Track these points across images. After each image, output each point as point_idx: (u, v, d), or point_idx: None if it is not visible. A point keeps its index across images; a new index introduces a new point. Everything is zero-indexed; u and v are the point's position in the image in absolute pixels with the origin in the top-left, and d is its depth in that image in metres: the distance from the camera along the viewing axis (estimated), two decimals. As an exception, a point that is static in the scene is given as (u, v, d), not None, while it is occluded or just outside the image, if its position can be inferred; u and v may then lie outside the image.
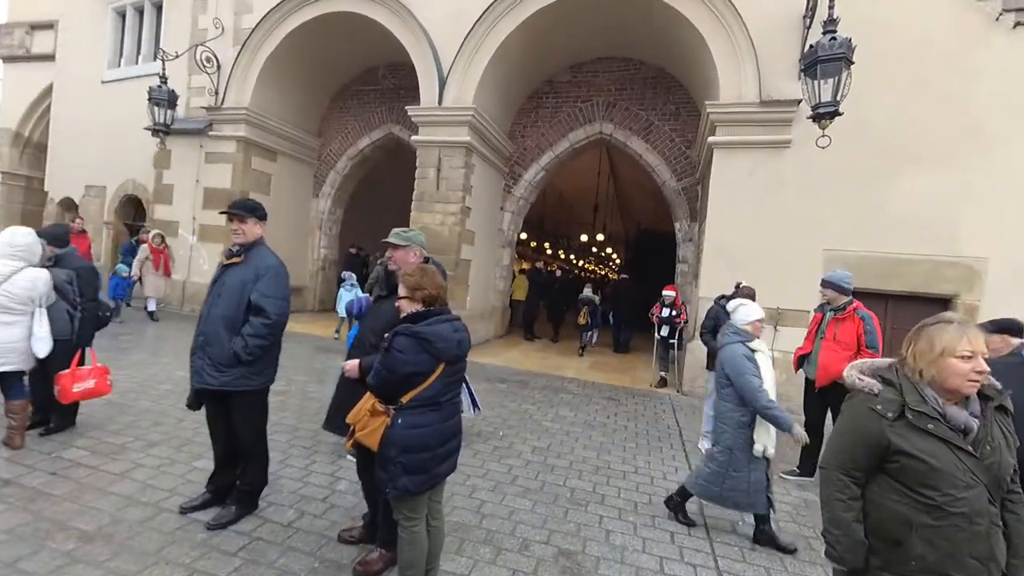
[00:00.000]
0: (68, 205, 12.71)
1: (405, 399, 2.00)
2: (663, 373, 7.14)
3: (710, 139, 6.69)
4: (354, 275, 8.21)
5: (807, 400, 4.12)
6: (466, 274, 8.58)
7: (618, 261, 33.30)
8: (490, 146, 8.90)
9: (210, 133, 9.69)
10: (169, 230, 9.97)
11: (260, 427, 2.73)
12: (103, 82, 11.90)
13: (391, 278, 2.68)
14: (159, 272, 8.66)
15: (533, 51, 8.44)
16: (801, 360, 4.15)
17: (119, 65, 11.89)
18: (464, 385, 3.43)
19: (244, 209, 2.69)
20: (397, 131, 10.57)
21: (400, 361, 1.95)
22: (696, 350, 6.63)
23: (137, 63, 11.61)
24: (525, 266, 18.29)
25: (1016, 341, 2.41)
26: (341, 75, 10.88)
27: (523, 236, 21.35)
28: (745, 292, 4.44)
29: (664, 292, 6.86)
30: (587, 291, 10.80)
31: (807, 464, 3.99)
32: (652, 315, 7.11)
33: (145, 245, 8.65)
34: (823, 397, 3.95)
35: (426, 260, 2.72)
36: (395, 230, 2.72)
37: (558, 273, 10.88)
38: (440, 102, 7.98)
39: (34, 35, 14.65)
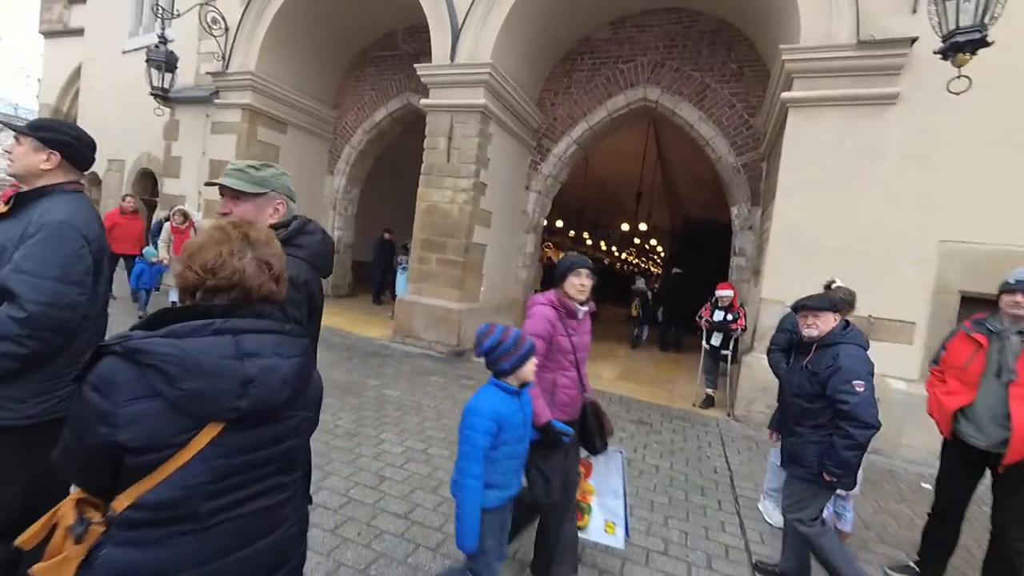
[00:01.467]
0: (95, 180, 12.56)
1: (120, 503, 0.90)
2: (710, 391, 5.77)
3: (784, 95, 5.20)
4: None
5: (949, 472, 2.63)
6: (479, 261, 7.47)
7: (661, 253, 31.31)
8: (512, 113, 7.69)
9: (215, 101, 9.00)
10: (178, 204, 9.43)
11: (16, 490, 1.60)
12: (123, 52, 11.55)
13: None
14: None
15: (565, 0, 7.14)
16: (955, 415, 2.48)
17: (139, 33, 11.49)
18: (622, 496, 2.46)
19: (29, 129, 1.65)
20: (416, 101, 9.51)
21: (91, 413, 0.86)
22: (754, 365, 5.23)
23: (155, 30, 11.13)
24: (559, 255, 16.96)
25: None
26: (357, 39, 9.93)
27: (560, 224, 20.13)
28: (840, 296, 3.05)
29: (719, 292, 5.47)
30: (639, 283, 9.75)
31: (934, 561, 2.61)
32: (700, 318, 5.75)
33: (167, 225, 7.36)
34: (996, 478, 2.38)
35: (296, 221, 1.63)
36: (232, 165, 1.60)
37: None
38: (453, 58, 6.83)
39: (72, 8, 14.65)
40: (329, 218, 10.65)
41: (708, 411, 5.61)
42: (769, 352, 3.39)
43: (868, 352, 2.30)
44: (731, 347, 5.47)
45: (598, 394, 5.73)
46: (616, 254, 29.12)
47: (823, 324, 2.32)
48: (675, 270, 9.40)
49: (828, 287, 3.23)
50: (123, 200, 7.70)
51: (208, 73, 9.04)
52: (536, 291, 9.36)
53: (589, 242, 25.29)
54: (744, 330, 5.39)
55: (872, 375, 2.20)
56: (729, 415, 5.49)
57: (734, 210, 7.51)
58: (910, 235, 4.75)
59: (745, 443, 4.72)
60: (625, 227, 17.71)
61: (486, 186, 7.28)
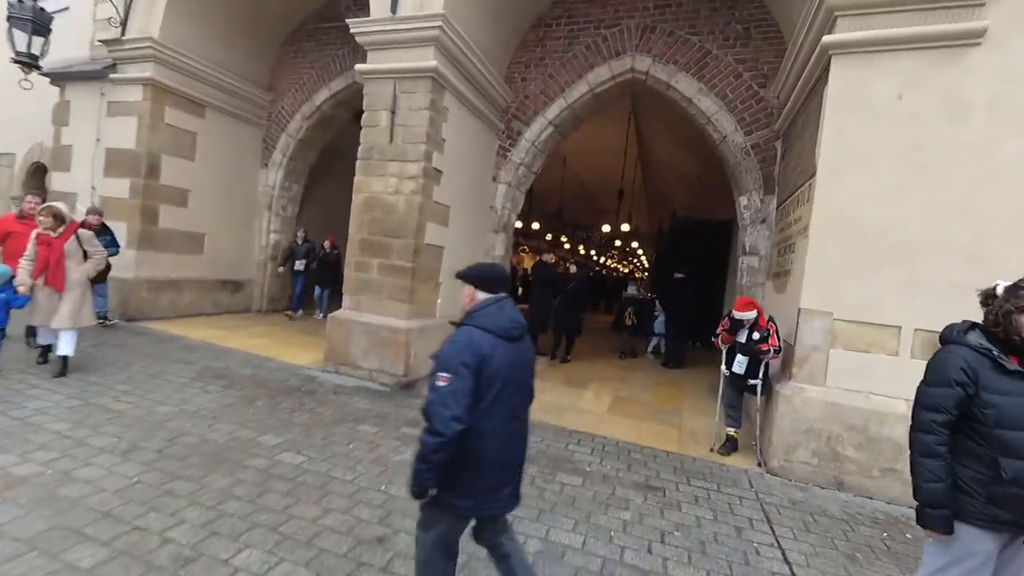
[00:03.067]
0: (-14, 180, 10.61)
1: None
2: (732, 430, 4.40)
3: (826, 39, 3.92)
4: None
5: None
6: (434, 267, 5.99)
7: (643, 256, 30.32)
8: (473, 85, 6.28)
9: (112, 76, 7.33)
10: (67, 204, 7.70)
11: None
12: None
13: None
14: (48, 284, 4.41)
15: (536, -58, 5.79)
16: None
17: (32, 4, 9.68)
18: None
19: None
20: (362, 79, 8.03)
21: None
22: (795, 400, 3.90)
23: None
24: (533, 261, 15.67)
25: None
26: (295, 7, 8.39)
27: (536, 226, 18.80)
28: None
29: (738, 314, 4.10)
30: (631, 289, 8.63)
31: None
32: (716, 338, 4.41)
33: (34, 234, 4.67)
34: None
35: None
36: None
37: (572, 269, 8.18)
38: (395, 9, 5.39)
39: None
40: (263, 219, 9.02)
41: (730, 459, 4.25)
42: (922, 432, 1.91)
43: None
44: (761, 374, 4.12)
45: (584, 437, 4.31)
46: (596, 258, 27.97)
47: None
48: (677, 274, 8.11)
49: (991, 296, 1.86)
50: (24, 201, 5.41)
51: (101, 41, 7.37)
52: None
53: (568, 245, 24.05)
54: (778, 351, 4.05)
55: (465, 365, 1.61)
56: (760, 465, 4.13)
57: (742, 200, 6.23)
58: (1013, 220, 3.50)
59: (796, 514, 3.35)
60: (606, 228, 16.48)
61: (440, 173, 5.83)
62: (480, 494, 1.73)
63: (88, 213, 6.34)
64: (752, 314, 4.04)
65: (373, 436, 3.90)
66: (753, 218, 6.09)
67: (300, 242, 8.95)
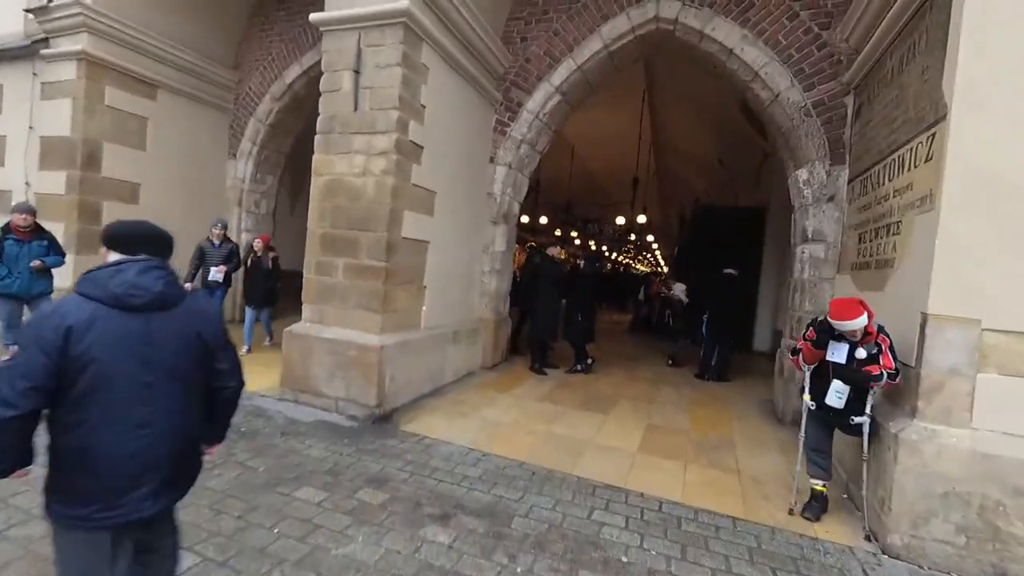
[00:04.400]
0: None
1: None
2: (820, 483, 3.15)
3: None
4: None
5: None
6: (416, 266, 4.82)
7: (657, 251, 28.93)
8: (461, 40, 5.09)
9: (43, 52, 6.27)
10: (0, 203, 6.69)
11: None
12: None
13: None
14: None
15: None
16: None
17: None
18: None
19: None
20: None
21: None
22: (925, 448, 2.66)
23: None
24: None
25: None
26: (257, -29, 7.29)
27: (544, 221, 17.58)
28: None
29: (839, 322, 2.83)
30: (677, 289, 8.06)
31: None
32: (795, 355, 3.16)
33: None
34: None
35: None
36: None
37: (581, 264, 6.92)
38: (353, -63, 4.22)
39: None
40: (233, 216, 7.93)
41: (825, 526, 3.02)
42: None
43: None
44: (868, 410, 2.88)
45: (612, 496, 3.10)
46: (608, 254, 26.65)
47: None
48: (727, 270, 6.77)
49: None
50: None
51: (28, 11, 6.31)
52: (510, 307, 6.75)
53: (577, 241, 22.80)
54: (894, 376, 2.80)
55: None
56: (871, 539, 2.88)
57: (800, 175, 4.97)
58: None
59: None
60: (621, 220, 15.21)
61: (420, 150, 4.65)
62: (97, 499, 1.38)
63: (13, 211, 5.24)
64: (859, 322, 2.79)
65: (314, 511, 2.73)
66: (817, 196, 4.82)
67: (216, 242, 6.00)
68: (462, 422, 4.33)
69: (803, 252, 4.95)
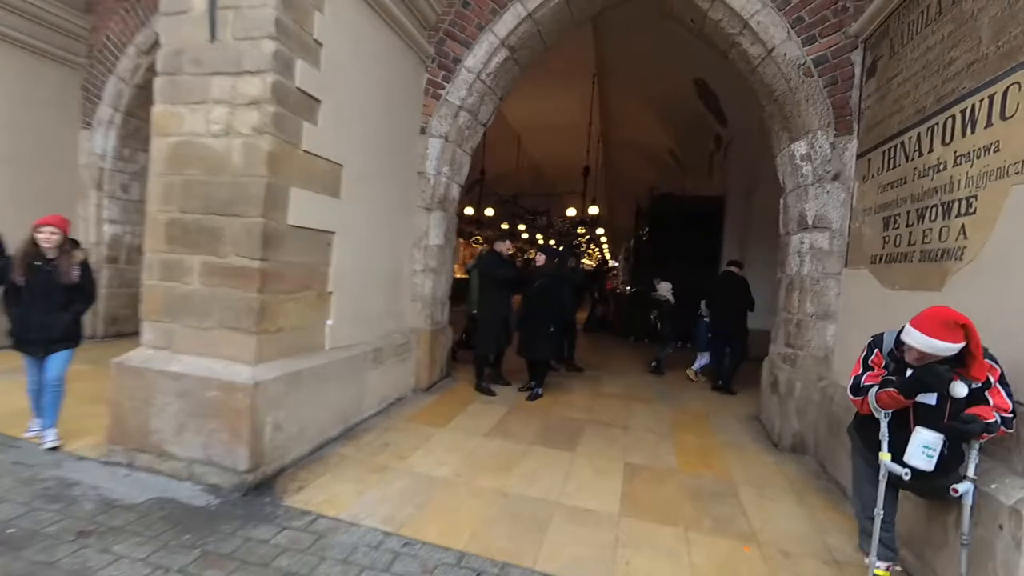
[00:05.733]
0: None
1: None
2: (883, 567, 2.21)
3: None
4: None
5: None
6: (315, 265, 3.50)
7: (605, 245, 28.58)
8: (375, -36, 3.81)
9: None
10: None
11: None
12: None
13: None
14: None
15: None
16: None
17: None
18: None
19: None
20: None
21: None
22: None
23: None
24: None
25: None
26: None
27: (490, 213, 16.43)
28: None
29: (921, 338, 1.88)
30: (662, 288, 7.04)
31: None
32: (865, 393, 2.16)
33: None
34: None
35: None
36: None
37: (540, 259, 5.78)
38: None
39: None
40: (89, 203, 6.17)
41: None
42: None
43: None
44: (972, 470, 1.96)
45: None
46: (585, 248, 25.87)
47: None
48: (729, 266, 5.89)
49: None
50: None
51: None
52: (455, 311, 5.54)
53: (525, 236, 21.84)
54: (1012, 420, 1.89)
55: None
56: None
57: (797, 148, 4.11)
58: None
59: None
60: (571, 212, 14.35)
61: (318, 104, 3.34)
62: None
63: None
64: (956, 346, 1.86)
65: None
66: (819, 174, 3.98)
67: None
68: (379, 484, 3.10)
69: (802, 242, 4.10)
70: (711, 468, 3.70)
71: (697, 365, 6.53)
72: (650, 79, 10.57)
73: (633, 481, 3.39)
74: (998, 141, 2.25)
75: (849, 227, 3.83)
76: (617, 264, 26.02)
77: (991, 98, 2.31)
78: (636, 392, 5.78)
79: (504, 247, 5.34)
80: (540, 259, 5.10)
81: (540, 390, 5.19)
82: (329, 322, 3.68)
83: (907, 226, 2.98)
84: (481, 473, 3.34)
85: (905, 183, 3.04)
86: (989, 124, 2.32)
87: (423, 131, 4.94)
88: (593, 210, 13.23)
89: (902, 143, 3.12)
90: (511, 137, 15.75)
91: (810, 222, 4.02)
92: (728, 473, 3.62)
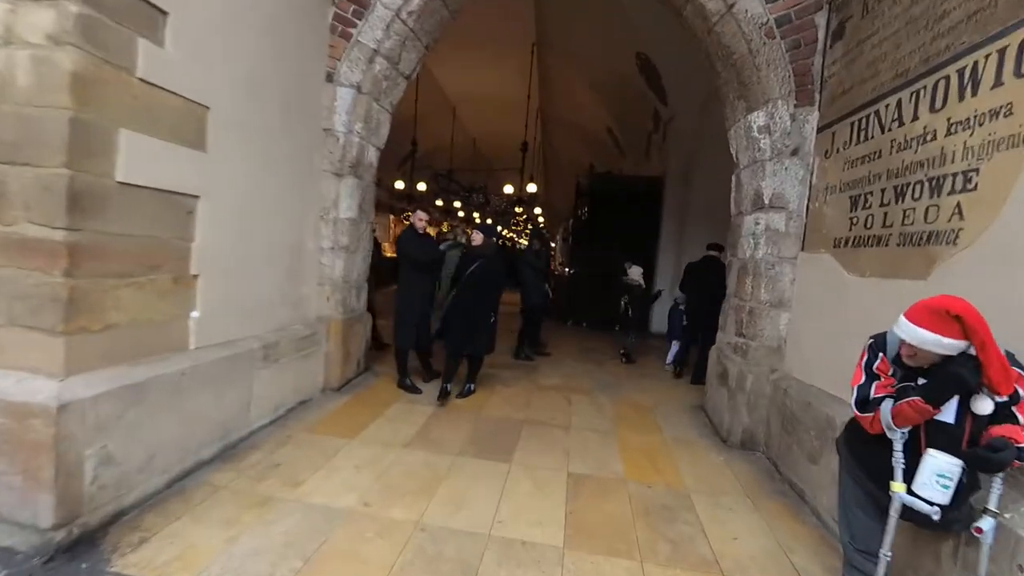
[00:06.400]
0: None
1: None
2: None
3: None
4: None
5: None
6: (171, 240, 2.61)
7: (541, 223, 28.29)
8: None
9: None
10: None
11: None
12: None
13: None
14: None
15: None
16: None
17: None
18: None
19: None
20: None
21: None
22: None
23: None
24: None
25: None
26: None
27: (422, 187, 15.44)
28: None
29: (920, 333, 1.51)
30: (633, 272, 6.61)
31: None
32: (863, 408, 1.75)
33: None
34: None
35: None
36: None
37: (477, 239, 4.92)
38: None
39: None
40: None
41: None
42: None
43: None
44: (994, 504, 1.62)
45: None
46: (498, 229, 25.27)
47: None
48: (709, 250, 5.46)
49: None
50: None
51: None
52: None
53: (461, 213, 21.01)
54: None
55: None
56: None
57: (754, 119, 3.74)
58: None
59: None
60: (509, 189, 13.74)
61: (164, 17, 2.42)
62: None
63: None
64: (951, 342, 1.48)
65: None
66: (778, 148, 3.63)
67: None
68: (258, 525, 2.37)
69: (756, 223, 3.78)
70: (660, 473, 3.31)
71: (670, 356, 6.26)
72: (591, 52, 10.09)
73: (578, 497, 2.91)
74: (1010, 104, 1.90)
75: (807, 207, 3.54)
76: (554, 245, 25.88)
77: (1002, 53, 1.96)
78: (576, 382, 5.37)
79: (421, 221, 4.58)
80: (477, 238, 4.43)
81: (473, 385, 4.60)
82: (195, 314, 2.82)
83: (881, 206, 2.66)
84: (396, 500, 2.71)
85: (879, 157, 2.72)
86: (998, 83, 1.97)
87: (330, 78, 4.06)
88: (531, 187, 12.69)
89: (876, 112, 2.78)
90: (446, 108, 14.78)
91: (766, 201, 3.69)
92: (679, 479, 3.25)
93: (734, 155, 4.15)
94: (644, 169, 10.84)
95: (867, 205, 2.80)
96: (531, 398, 4.67)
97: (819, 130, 3.47)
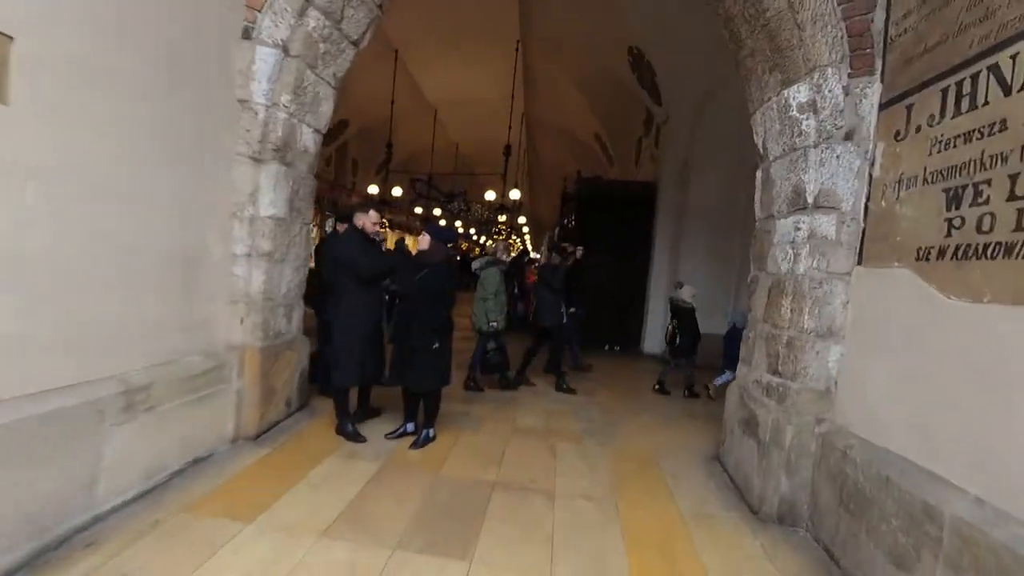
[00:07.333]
0: None
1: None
2: None
3: None
4: None
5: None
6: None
7: (526, 233, 27.55)
8: None
9: None
10: None
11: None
12: None
13: None
14: None
15: None
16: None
17: None
18: None
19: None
20: None
21: None
22: None
23: None
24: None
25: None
26: None
27: (398, 192, 14.52)
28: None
29: None
30: (684, 292, 5.54)
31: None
32: None
33: None
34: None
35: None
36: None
37: (424, 243, 3.87)
38: None
39: None
40: None
41: None
42: None
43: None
44: None
45: None
46: (477, 239, 24.39)
47: None
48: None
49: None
50: None
51: None
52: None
53: (443, 222, 20.05)
54: None
55: None
56: None
57: (794, 94, 2.90)
58: None
59: None
60: (491, 196, 12.88)
61: None
62: None
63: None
64: None
65: None
66: (827, 131, 2.79)
67: None
68: None
69: (797, 228, 2.91)
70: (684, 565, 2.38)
71: (720, 380, 5.39)
72: (579, 47, 9.36)
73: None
74: None
75: (866, 208, 2.69)
76: (539, 256, 25.10)
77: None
78: (560, 423, 4.42)
79: (369, 222, 3.61)
80: (423, 241, 3.46)
81: (431, 431, 3.62)
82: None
83: (1010, 199, 1.81)
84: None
85: (1004, 129, 1.88)
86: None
87: (247, 35, 3.12)
88: (515, 194, 11.86)
89: (994, 68, 1.95)
90: (426, 110, 13.95)
91: (810, 200, 2.84)
92: (707, 580, 2.32)
93: (759, 145, 3.32)
94: (634, 178, 10.11)
95: (979, 200, 1.95)
96: (506, 447, 3.71)
97: (883, 106, 2.64)
